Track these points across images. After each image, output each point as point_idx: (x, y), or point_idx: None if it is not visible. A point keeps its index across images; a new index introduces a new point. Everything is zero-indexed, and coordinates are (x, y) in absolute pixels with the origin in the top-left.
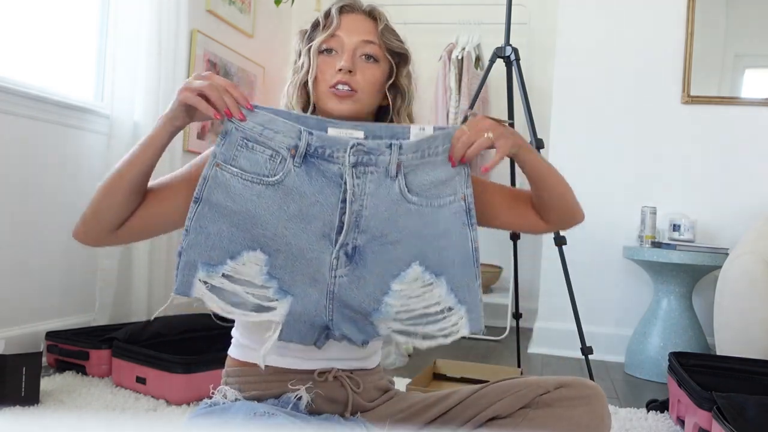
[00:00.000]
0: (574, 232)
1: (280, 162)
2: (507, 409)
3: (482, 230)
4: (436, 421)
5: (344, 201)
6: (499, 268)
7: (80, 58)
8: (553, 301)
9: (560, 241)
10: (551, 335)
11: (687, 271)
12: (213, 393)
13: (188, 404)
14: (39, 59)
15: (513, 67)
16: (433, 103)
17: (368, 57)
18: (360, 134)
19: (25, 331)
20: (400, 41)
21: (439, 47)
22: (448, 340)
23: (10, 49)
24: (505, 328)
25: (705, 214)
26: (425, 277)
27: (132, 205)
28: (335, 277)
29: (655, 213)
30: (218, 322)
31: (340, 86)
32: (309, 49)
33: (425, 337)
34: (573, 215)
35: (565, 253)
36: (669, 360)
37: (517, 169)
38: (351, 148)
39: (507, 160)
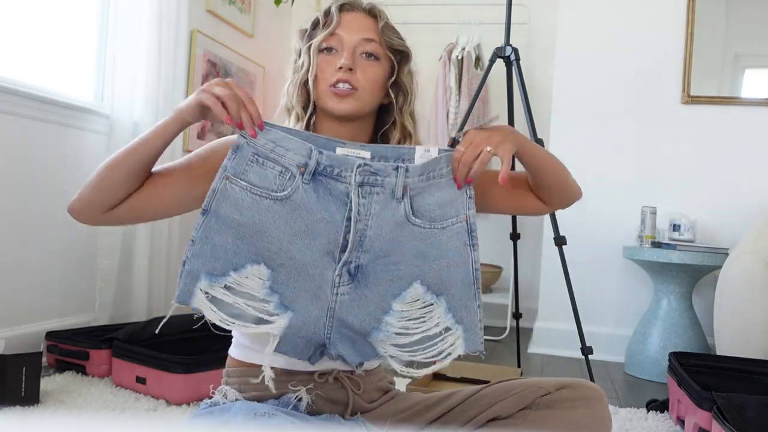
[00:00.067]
0: (574, 232)
1: (289, 178)
2: (508, 409)
3: (482, 230)
4: (436, 422)
5: (349, 219)
6: (499, 268)
7: (80, 58)
8: (553, 301)
9: (560, 241)
10: (551, 335)
11: (687, 271)
12: (213, 393)
13: (188, 404)
14: (39, 59)
15: (513, 67)
16: (433, 103)
17: (369, 55)
18: (367, 154)
19: (25, 331)
20: (401, 39)
21: (439, 47)
22: (447, 362)
23: (11, 49)
24: (505, 328)
25: (705, 214)
26: (426, 297)
27: (131, 187)
28: (337, 294)
29: (655, 213)
30: (216, 331)
31: (340, 84)
32: (309, 48)
33: (422, 365)
34: (572, 194)
35: (565, 253)
36: (669, 360)
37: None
38: (357, 167)
39: None
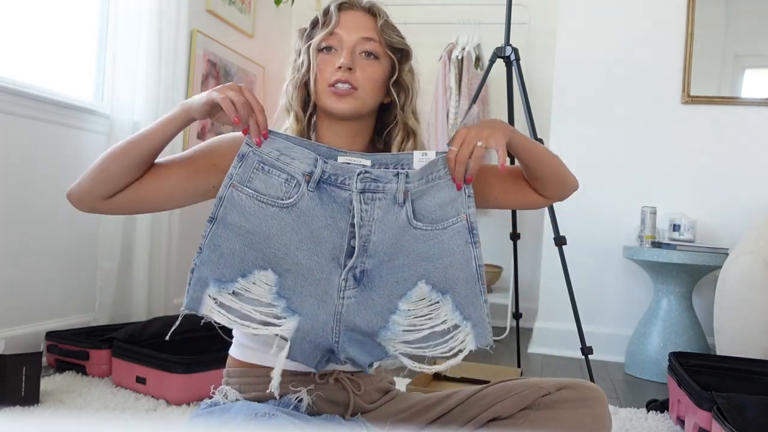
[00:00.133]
0: (574, 232)
1: (294, 186)
2: (508, 410)
3: (482, 230)
4: (436, 422)
5: (353, 226)
6: (499, 268)
7: (80, 58)
8: (553, 301)
9: (560, 241)
10: (551, 335)
11: (687, 271)
12: (213, 393)
13: (188, 404)
14: (39, 59)
15: (513, 67)
16: (433, 103)
17: (368, 54)
18: (367, 162)
19: (25, 331)
20: (401, 37)
21: (439, 47)
22: (459, 359)
23: (10, 49)
24: (505, 328)
25: (705, 214)
26: (431, 295)
27: (132, 176)
28: (343, 298)
29: (655, 213)
30: (223, 336)
31: (339, 84)
32: (308, 48)
33: (433, 360)
34: (568, 184)
35: (565, 253)
36: (669, 360)
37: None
38: (358, 175)
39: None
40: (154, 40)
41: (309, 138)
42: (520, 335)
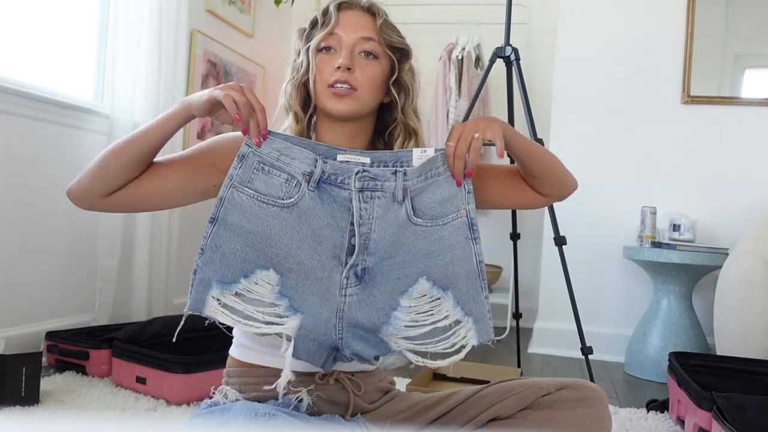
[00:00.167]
0: (574, 232)
1: (295, 186)
2: (508, 410)
3: (482, 230)
4: (436, 422)
5: (353, 224)
6: (499, 268)
7: (80, 58)
8: (553, 301)
9: (560, 241)
10: (551, 335)
11: (687, 271)
12: (213, 393)
13: (188, 404)
14: (39, 59)
15: (513, 67)
16: (433, 103)
17: (367, 54)
18: (366, 160)
19: (25, 331)
20: (401, 37)
21: (439, 47)
22: (462, 355)
23: (10, 49)
24: (505, 328)
25: (705, 214)
26: (433, 292)
27: (132, 173)
28: (345, 296)
29: (655, 213)
30: (226, 332)
31: (338, 85)
32: (308, 48)
33: (436, 356)
34: (566, 183)
35: (565, 253)
36: (669, 360)
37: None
38: (356, 174)
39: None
40: (154, 40)
41: (309, 138)
42: (520, 335)
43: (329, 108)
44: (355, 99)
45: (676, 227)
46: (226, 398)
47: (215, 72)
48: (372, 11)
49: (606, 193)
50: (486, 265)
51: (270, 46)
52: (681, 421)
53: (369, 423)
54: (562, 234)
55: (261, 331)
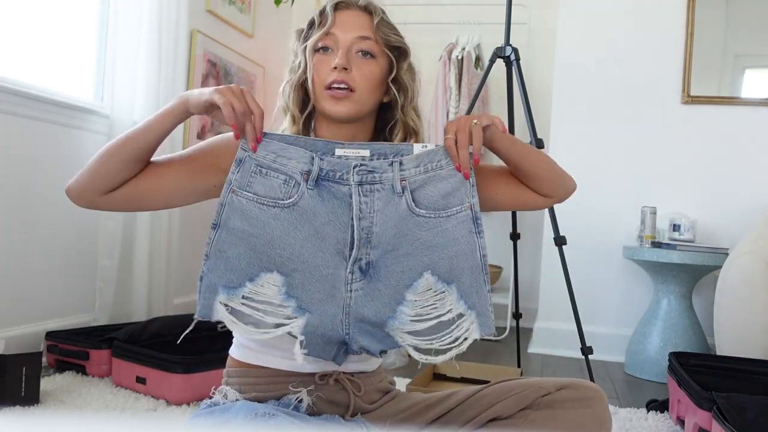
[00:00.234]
0: (574, 232)
1: (293, 186)
2: (508, 410)
3: (484, 230)
4: (436, 422)
5: (353, 218)
6: (499, 268)
7: (80, 58)
8: (553, 301)
9: (560, 241)
10: (551, 335)
11: (687, 271)
12: (213, 393)
13: (188, 404)
14: (39, 59)
15: (513, 67)
16: (433, 103)
17: (365, 53)
18: (366, 153)
19: (25, 331)
20: (398, 35)
21: (439, 47)
22: (464, 348)
23: (10, 49)
24: (505, 328)
25: (705, 214)
26: (437, 285)
27: (131, 171)
28: (351, 291)
29: (655, 213)
30: (233, 333)
31: (335, 86)
32: (305, 49)
33: (440, 352)
34: (564, 183)
35: (565, 253)
36: (669, 360)
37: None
38: (354, 168)
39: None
40: (154, 40)
41: None
42: (520, 335)
43: (327, 110)
44: (353, 101)
45: (676, 227)
46: (226, 398)
47: (215, 72)
48: (369, 10)
49: (606, 193)
50: None
51: (270, 46)
52: (681, 421)
53: (369, 423)
54: (562, 234)
55: (269, 335)
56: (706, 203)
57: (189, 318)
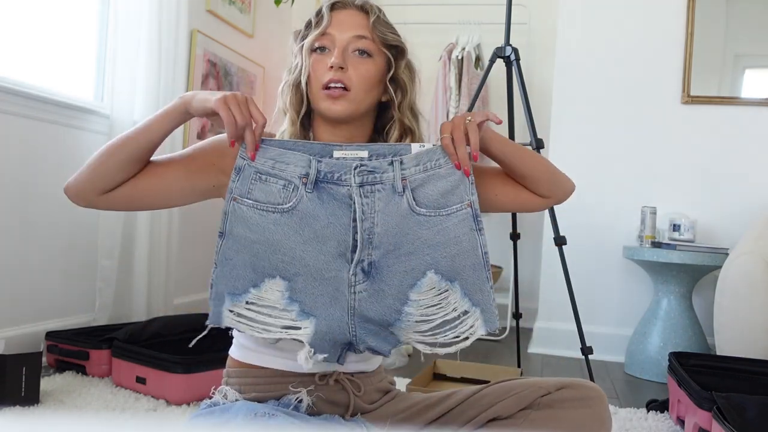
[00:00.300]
0: (574, 232)
1: (293, 190)
2: (508, 410)
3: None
4: (436, 422)
5: (355, 220)
6: (499, 268)
7: (80, 58)
8: (553, 301)
9: (560, 241)
10: (551, 335)
11: (687, 271)
12: (213, 393)
13: (188, 404)
14: (39, 59)
15: (513, 67)
16: (433, 103)
17: (361, 52)
18: (364, 154)
19: (25, 331)
20: (395, 34)
21: (439, 47)
22: (468, 343)
23: (10, 49)
24: (505, 328)
25: (705, 214)
26: (441, 284)
27: (130, 171)
28: (355, 293)
29: (655, 213)
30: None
31: (332, 85)
32: (302, 49)
33: (445, 345)
34: (561, 183)
35: (565, 253)
36: (669, 360)
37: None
38: (355, 169)
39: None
40: (154, 40)
41: (307, 138)
42: (520, 335)
43: (324, 109)
44: (350, 100)
45: (676, 227)
46: (226, 398)
47: (215, 72)
48: (365, 9)
49: (606, 193)
50: None
51: (270, 46)
52: (681, 421)
53: (369, 423)
54: (562, 234)
55: (278, 336)
56: (706, 203)
57: (189, 318)
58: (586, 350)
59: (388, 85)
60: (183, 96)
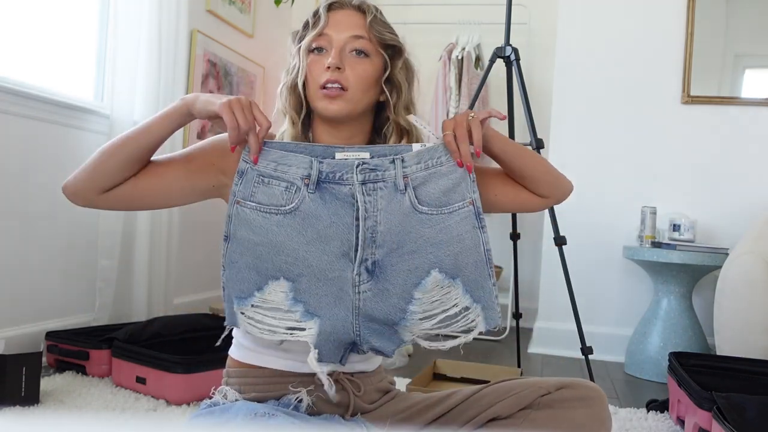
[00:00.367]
0: (574, 232)
1: (295, 191)
2: (508, 409)
3: None
4: (436, 422)
5: (358, 219)
6: (499, 268)
7: (80, 58)
8: (553, 301)
9: (560, 241)
10: (551, 335)
11: (687, 271)
12: (213, 393)
13: (188, 404)
14: (39, 59)
15: (513, 67)
16: (433, 103)
17: (358, 52)
18: (366, 155)
19: (25, 331)
20: (392, 33)
21: (439, 47)
22: (470, 337)
23: (10, 49)
24: (505, 328)
25: (705, 214)
26: (444, 282)
27: (130, 171)
28: (359, 292)
29: (655, 213)
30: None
31: (329, 85)
32: (299, 50)
33: (447, 337)
34: (560, 184)
35: (565, 253)
36: (669, 360)
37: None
38: (357, 167)
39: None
40: (154, 40)
41: (307, 139)
42: (520, 335)
43: (321, 109)
44: (347, 100)
45: (676, 227)
46: (226, 398)
47: (215, 72)
48: (362, 9)
49: (606, 193)
50: None
51: (270, 46)
52: (681, 421)
53: (369, 423)
54: (562, 234)
55: (283, 338)
56: (706, 203)
57: (189, 318)
58: (586, 350)
59: (384, 86)
60: (184, 98)
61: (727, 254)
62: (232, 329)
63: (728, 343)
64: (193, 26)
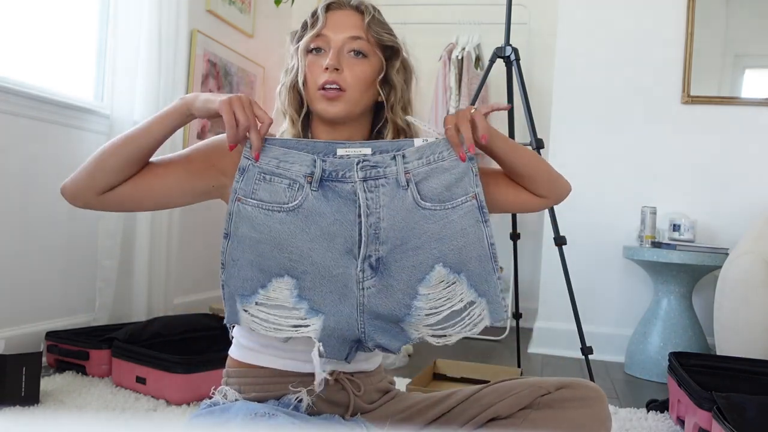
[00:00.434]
0: (574, 232)
1: (297, 189)
2: (508, 409)
3: None
4: (436, 422)
5: (360, 215)
6: (500, 268)
7: (80, 58)
8: (553, 301)
9: (560, 241)
10: (551, 335)
11: (687, 271)
12: (213, 393)
13: (188, 404)
14: (39, 59)
15: (513, 67)
16: (433, 103)
17: (357, 53)
18: (367, 151)
19: (25, 331)
20: (390, 34)
21: (439, 47)
22: (476, 331)
23: (10, 49)
24: (505, 328)
25: (705, 214)
26: (449, 277)
27: (129, 171)
28: (363, 289)
29: (655, 213)
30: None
31: (327, 86)
32: (298, 50)
33: (454, 333)
34: (559, 183)
35: (565, 253)
36: (669, 360)
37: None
38: (357, 164)
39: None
40: (154, 40)
41: (307, 138)
42: (520, 335)
43: (320, 110)
44: (346, 101)
45: (676, 227)
46: (226, 398)
47: (215, 72)
48: (360, 9)
49: (606, 193)
50: None
51: (270, 46)
52: (681, 421)
53: (369, 423)
54: (562, 234)
55: (289, 335)
56: (706, 203)
57: (189, 318)
58: (586, 350)
59: (380, 87)
60: (184, 97)
61: (727, 254)
62: (233, 327)
63: (728, 343)
64: (193, 26)
